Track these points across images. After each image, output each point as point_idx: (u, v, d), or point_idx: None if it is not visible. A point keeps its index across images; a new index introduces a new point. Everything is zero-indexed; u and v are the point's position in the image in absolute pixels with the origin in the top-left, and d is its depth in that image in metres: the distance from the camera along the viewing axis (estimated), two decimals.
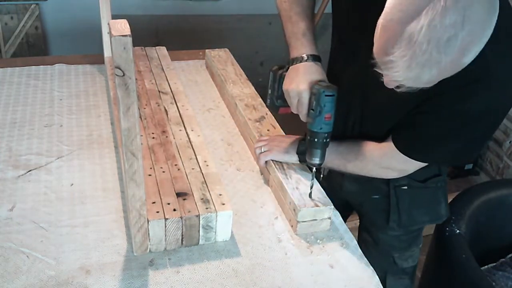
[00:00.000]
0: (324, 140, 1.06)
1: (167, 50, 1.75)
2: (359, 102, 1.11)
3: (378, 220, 1.26)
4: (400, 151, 1.03)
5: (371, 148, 1.09)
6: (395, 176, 1.12)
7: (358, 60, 1.03)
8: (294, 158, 1.17)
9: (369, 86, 1.03)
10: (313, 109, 1.03)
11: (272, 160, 1.20)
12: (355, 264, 1.02)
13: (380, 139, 1.08)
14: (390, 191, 1.19)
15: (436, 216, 1.26)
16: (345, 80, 1.10)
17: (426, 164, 1.05)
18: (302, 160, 1.16)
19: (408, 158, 1.03)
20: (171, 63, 1.63)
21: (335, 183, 1.26)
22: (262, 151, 1.21)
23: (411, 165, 1.05)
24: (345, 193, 1.27)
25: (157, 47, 1.74)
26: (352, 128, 1.15)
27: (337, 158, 1.12)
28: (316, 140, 1.06)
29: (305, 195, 1.09)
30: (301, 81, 1.04)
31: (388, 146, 1.05)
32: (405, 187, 1.18)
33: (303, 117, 1.07)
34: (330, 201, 1.09)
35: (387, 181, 1.18)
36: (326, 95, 1.01)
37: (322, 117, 1.03)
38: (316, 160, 1.08)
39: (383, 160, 1.07)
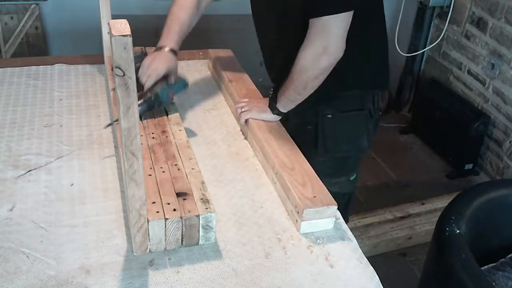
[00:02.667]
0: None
1: None
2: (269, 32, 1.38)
3: (309, 147, 1.37)
4: (320, 15, 1.16)
5: (295, 60, 1.25)
6: (327, 63, 1.21)
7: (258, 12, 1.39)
8: (268, 113, 1.36)
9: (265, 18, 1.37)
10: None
11: (267, 143, 1.23)
12: (355, 264, 1.02)
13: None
14: (318, 120, 1.38)
15: (358, 146, 1.44)
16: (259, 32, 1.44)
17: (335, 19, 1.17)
18: (273, 111, 1.35)
19: (325, 22, 1.16)
20: None
21: (282, 117, 1.40)
22: (243, 110, 1.39)
23: (330, 31, 1.18)
24: (289, 125, 1.40)
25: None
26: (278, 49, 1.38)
27: (289, 85, 1.29)
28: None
29: (309, 194, 1.09)
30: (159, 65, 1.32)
31: (305, 39, 1.21)
32: (330, 115, 1.38)
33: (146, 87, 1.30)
34: (333, 200, 1.09)
35: (316, 112, 1.37)
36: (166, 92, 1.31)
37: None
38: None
39: (307, 50, 1.21)
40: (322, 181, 1.21)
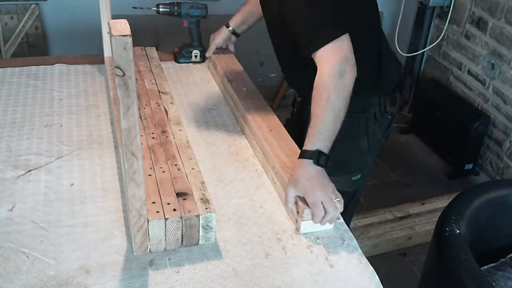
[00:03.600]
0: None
1: (167, 51, 1.75)
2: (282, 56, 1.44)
3: None
4: (316, 49, 1.12)
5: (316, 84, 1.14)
6: (350, 76, 1.12)
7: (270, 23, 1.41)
8: (328, 181, 1.10)
9: (275, 36, 1.41)
10: None
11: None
12: (355, 264, 1.02)
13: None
14: None
15: (357, 148, 1.43)
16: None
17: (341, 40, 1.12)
18: (322, 165, 1.10)
19: (327, 48, 1.11)
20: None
21: (296, 113, 1.48)
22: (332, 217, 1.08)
23: (338, 52, 1.11)
24: (302, 121, 1.42)
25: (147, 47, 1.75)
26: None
27: (316, 123, 1.11)
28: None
29: None
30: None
31: (317, 62, 1.14)
32: None
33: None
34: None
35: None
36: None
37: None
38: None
39: (327, 73, 1.11)
40: None
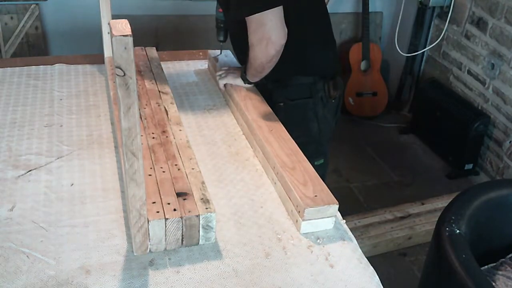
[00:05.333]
0: (221, 25, 1.62)
1: (167, 50, 1.75)
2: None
3: None
4: (245, 15, 1.34)
5: (249, 45, 1.41)
6: (273, 51, 1.37)
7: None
8: (242, 84, 1.53)
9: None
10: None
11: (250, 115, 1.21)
12: (355, 264, 1.02)
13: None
14: (273, 107, 1.47)
15: (309, 132, 1.57)
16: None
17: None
18: (244, 79, 1.52)
19: (256, 19, 1.33)
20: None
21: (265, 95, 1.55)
22: (221, 77, 1.58)
23: (265, 25, 1.33)
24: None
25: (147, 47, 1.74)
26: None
27: (250, 68, 1.46)
28: (217, 24, 1.63)
29: (310, 194, 1.09)
30: None
31: (248, 32, 1.38)
32: (281, 104, 1.53)
33: None
34: (334, 199, 1.09)
35: (271, 100, 1.51)
36: None
37: (217, 9, 1.60)
38: (221, 38, 1.65)
39: (254, 42, 1.37)
40: None
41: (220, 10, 1.59)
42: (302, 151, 1.28)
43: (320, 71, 1.55)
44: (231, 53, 1.75)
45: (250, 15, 1.33)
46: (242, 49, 1.52)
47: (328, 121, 1.61)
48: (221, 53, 1.72)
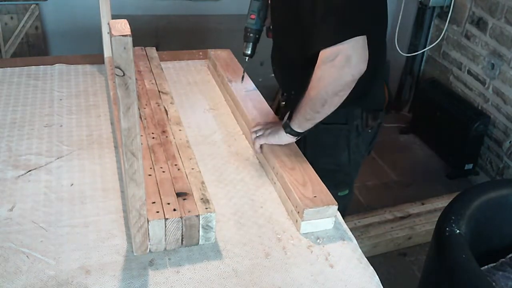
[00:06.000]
0: (252, 35, 1.39)
1: (167, 50, 1.75)
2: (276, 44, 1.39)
3: None
4: (327, 46, 1.09)
5: (313, 73, 1.15)
6: (350, 77, 1.11)
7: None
8: (283, 134, 1.26)
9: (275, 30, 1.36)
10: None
11: (274, 156, 1.20)
12: (355, 264, 1.02)
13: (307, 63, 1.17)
14: None
15: (338, 161, 1.40)
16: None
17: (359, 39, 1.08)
18: (287, 131, 1.25)
19: (338, 47, 1.08)
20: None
21: (283, 115, 1.34)
22: (257, 135, 1.30)
23: (350, 44, 1.08)
24: None
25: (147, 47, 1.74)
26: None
27: (304, 103, 1.19)
28: (246, 34, 1.39)
29: (310, 194, 1.09)
30: None
31: (319, 57, 1.12)
32: None
33: None
34: (334, 200, 1.09)
35: None
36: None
37: (248, 15, 1.38)
38: (248, 51, 1.41)
39: (327, 62, 1.11)
40: None
41: (252, 16, 1.36)
42: (328, 179, 1.19)
43: (363, 105, 1.35)
44: (252, 83, 1.53)
45: (341, 42, 1.08)
46: (297, 76, 1.29)
47: (360, 151, 1.43)
48: (243, 78, 1.47)
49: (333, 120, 1.26)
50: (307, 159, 1.26)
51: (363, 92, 1.28)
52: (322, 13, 1.10)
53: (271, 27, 1.40)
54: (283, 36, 1.34)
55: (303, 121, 1.22)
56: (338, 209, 1.10)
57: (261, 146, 1.29)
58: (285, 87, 1.45)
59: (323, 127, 1.28)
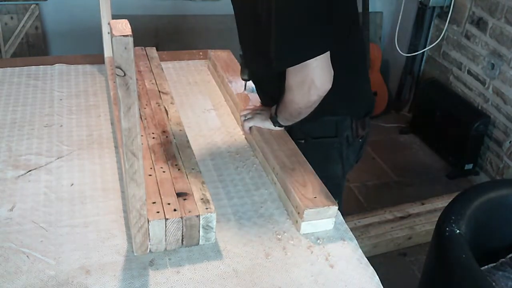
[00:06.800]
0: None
1: (167, 50, 1.75)
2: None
3: None
4: (281, 67, 1.15)
5: (285, 93, 1.21)
6: (316, 97, 1.16)
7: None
8: (272, 126, 1.32)
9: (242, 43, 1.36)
10: None
11: (268, 151, 1.21)
12: (355, 264, 1.02)
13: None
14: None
15: (332, 174, 1.38)
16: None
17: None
18: (274, 122, 1.31)
19: (301, 72, 1.12)
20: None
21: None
22: (246, 118, 1.36)
23: (310, 68, 1.11)
24: None
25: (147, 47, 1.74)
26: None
27: (284, 112, 1.26)
28: (242, 60, 1.42)
29: (310, 195, 1.09)
30: None
31: (286, 78, 1.16)
32: (302, 141, 1.33)
33: None
34: (334, 200, 1.09)
35: (289, 133, 1.33)
36: None
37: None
38: (245, 76, 1.44)
39: (291, 80, 1.16)
40: None
41: None
42: None
43: (353, 112, 1.35)
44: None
45: (298, 64, 1.11)
46: (269, 89, 1.34)
47: (349, 161, 1.43)
48: (245, 89, 1.50)
49: (322, 133, 1.32)
50: None
51: (349, 98, 1.31)
52: (280, 28, 1.10)
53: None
54: (247, 49, 1.36)
55: (286, 120, 1.29)
56: None
57: (250, 129, 1.35)
58: (262, 92, 1.44)
59: (313, 141, 1.33)
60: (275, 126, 1.32)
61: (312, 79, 1.12)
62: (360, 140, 1.41)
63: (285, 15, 1.08)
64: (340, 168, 1.39)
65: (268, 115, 1.33)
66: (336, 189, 1.38)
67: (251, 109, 1.39)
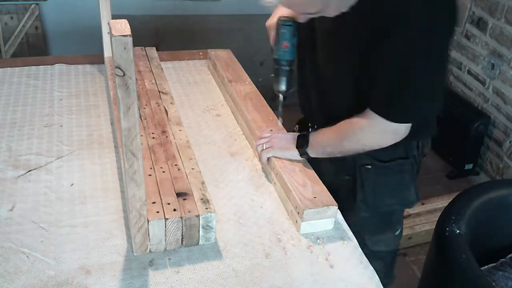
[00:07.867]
0: (286, 68, 1.21)
1: (167, 50, 1.75)
2: (315, 88, 1.22)
3: (348, 201, 1.23)
4: (385, 117, 1.04)
5: (357, 120, 1.09)
6: (392, 142, 1.09)
7: (313, 54, 1.17)
8: (295, 154, 1.19)
9: (320, 68, 1.16)
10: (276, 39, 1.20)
11: (275, 157, 1.20)
12: (355, 264, 1.02)
13: (348, 111, 1.11)
14: (356, 170, 1.20)
15: (405, 200, 1.27)
16: (305, 75, 1.25)
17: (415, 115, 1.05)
18: (302, 154, 1.19)
19: (393, 125, 1.04)
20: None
21: (313, 163, 1.22)
22: (264, 148, 1.23)
23: (400, 125, 1.05)
24: (322, 174, 1.20)
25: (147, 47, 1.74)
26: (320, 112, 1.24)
27: (331, 138, 1.14)
28: (278, 67, 1.21)
29: (310, 195, 1.09)
30: (272, 17, 1.24)
31: (371, 114, 1.06)
32: (369, 166, 1.19)
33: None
34: (334, 200, 1.09)
35: (354, 161, 1.19)
36: (283, 25, 1.17)
37: (280, 45, 1.19)
38: (282, 87, 1.22)
39: (371, 121, 1.06)
40: (365, 240, 1.16)
41: (285, 45, 1.18)
42: (389, 220, 1.13)
43: (425, 137, 1.26)
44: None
45: (411, 122, 1.04)
46: (332, 100, 1.19)
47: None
48: (280, 107, 1.28)
49: (392, 156, 1.19)
50: (368, 204, 1.21)
51: (424, 126, 1.20)
52: (399, 83, 1.01)
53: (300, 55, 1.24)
54: (332, 79, 1.17)
55: (321, 153, 1.17)
56: (394, 249, 1.09)
57: (268, 159, 1.22)
58: (312, 120, 1.32)
59: (381, 165, 1.19)
60: (301, 157, 1.18)
61: (400, 130, 1.06)
62: (424, 159, 1.31)
63: (421, 74, 0.99)
64: (414, 192, 1.26)
65: (290, 141, 1.21)
66: (400, 216, 1.33)
67: (268, 137, 1.25)
